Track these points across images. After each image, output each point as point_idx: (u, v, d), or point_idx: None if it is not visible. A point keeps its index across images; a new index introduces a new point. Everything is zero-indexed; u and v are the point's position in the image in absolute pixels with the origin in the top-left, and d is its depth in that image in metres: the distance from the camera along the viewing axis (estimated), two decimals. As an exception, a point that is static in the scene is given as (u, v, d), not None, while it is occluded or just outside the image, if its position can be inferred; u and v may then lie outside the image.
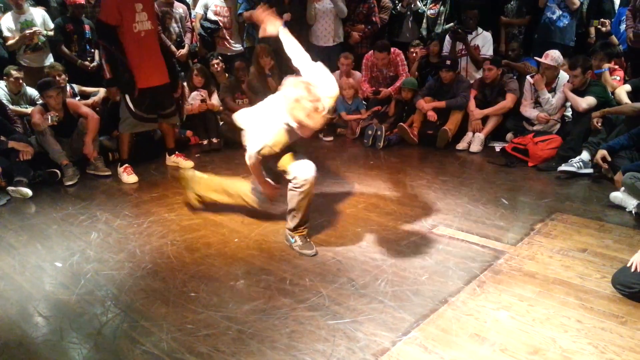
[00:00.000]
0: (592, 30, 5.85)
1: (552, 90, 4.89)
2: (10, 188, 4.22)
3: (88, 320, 2.48)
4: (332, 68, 6.14)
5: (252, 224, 3.49)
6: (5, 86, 5.17)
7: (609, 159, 3.94)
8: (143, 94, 4.43)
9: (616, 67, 4.97)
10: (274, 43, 5.96)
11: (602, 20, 5.55)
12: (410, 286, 2.64)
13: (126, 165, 4.61)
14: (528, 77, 5.08)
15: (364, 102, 6.00)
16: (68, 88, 5.39)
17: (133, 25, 4.30)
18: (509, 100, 5.17)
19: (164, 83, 4.59)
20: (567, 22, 5.64)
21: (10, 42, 5.44)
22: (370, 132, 5.45)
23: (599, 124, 4.31)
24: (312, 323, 2.36)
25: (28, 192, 4.21)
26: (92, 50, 5.87)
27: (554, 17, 5.66)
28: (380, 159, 5.04)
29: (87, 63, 5.76)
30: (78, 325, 2.44)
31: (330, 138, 5.80)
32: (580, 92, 4.53)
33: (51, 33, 5.77)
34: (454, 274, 2.74)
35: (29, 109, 5.01)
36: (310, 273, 2.82)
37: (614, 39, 5.45)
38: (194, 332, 2.34)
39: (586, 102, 4.45)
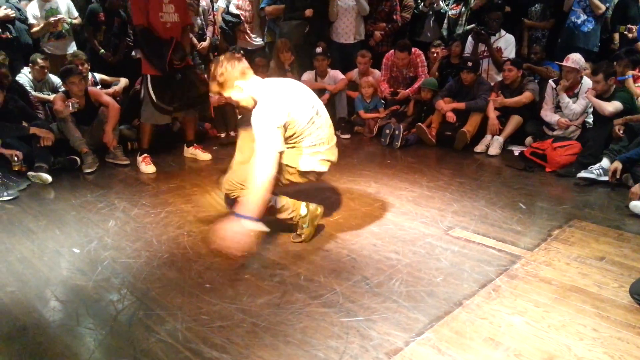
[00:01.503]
0: (617, 36, 5.77)
1: (575, 96, 4.84)
2: (30, 173, 4.28)
3: (104, 307, 2.51)
4: (352, 66, 6.15)
5: (266, 219, 3.49)
6: (30, 73, 5.26)
7: (618, 175, 3.95)
8: (164, 83, 4.46)
9: (641, 74, 4.90)
10: (296, 39, 6.01)
11: (629, 26, 5.47)
12: (424, 287, 2.64)
13: (145, 155, 4.65)
14: (550, 81, 5.03)
15: (382, 101, 5.99)
16: (90, 76, 5.45)
17: (159, 14, 4.36)
18: (525, 96, 5.13)
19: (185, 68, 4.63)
20: (591, 27, 5.57)
21: (35, 29, 5.52)
22: (388, 131, 5.43)
23: (621, 132, 4.26)
24: (326, 319, 2.37)
25: (48, 177, 4.27)
26: (117, 42, 5.93)
27: (579, 21, 5.60)
28: (397, 159, 5.03)
29: (109, 53, 5.82)
30: (94, 311, 2.47)
31: (348, 136, 5.80)
32: (604, 99, 4.46)
33: (75, 21, 5.84)
34: (469, 277, 2.73)
35: (51, 96, 5.08)
36: (324, 270, 2.83)
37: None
38: (208, 323, 2.35)
39: (613, 106, 4.37)
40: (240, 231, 2.61)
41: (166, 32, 4.40)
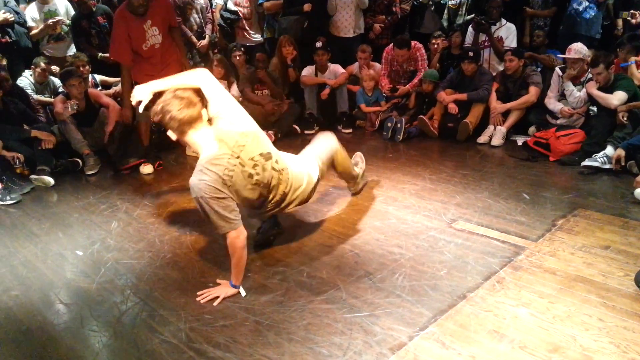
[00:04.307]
0: (620, 22, 5.72)
1: (581, 84, 4.77)
2: (33, 177, 4.29)
3: (108, 309, 2.51)
4: (352, 60, 6.12)
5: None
6: (31, 76, 5.27)
7: (623, 162, 3.92)
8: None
9: (644, 60, 4.84)
10: (295, 34, 5.98)
11: (632, 12, 5.41)
12: (428, 281, 2.62)
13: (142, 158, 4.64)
14: (557, 68, 4.97)
15: (383, 94, 5.96)
16: (90, 78, 5.46)
17: (143, 45, 4.23)
18: (532, 94, 5.07)
19: None
20: (593, 14, 5.52)
21: (34, 32, 5.53)
22: (389, 124, 5.40)
23: (625, 119, 4.21)
24: (329, 316, 2.36)
25: (50, 180, 4.28)
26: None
27: (580, 8, 5.54)
28: (400, 152, 5.00)
29: (107, 55, 5.81)
30: (98, 313, 2.48)
31: (349, 130, 5.77)
32: (606, 89, 4.40)
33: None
34: (473, 270, 2.71)
35: (52, 99, 5.09)
36: (327, 266, 2.82)
37: (643, 31, 5.31)
38: (211, 322, 2.35)
39: (617, 98, 4.29)
40: (227, 292, 2.58)
41: (156, 53, 4.32)
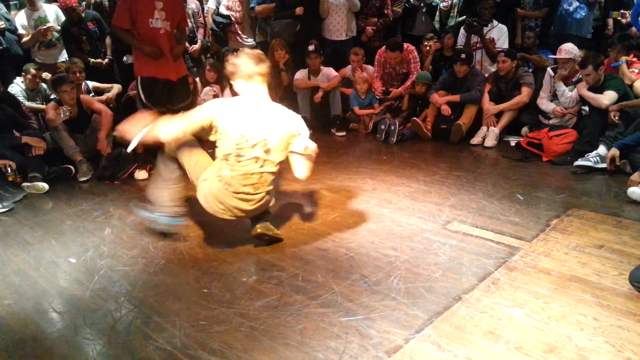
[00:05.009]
0: (610, 21, 5.75)
1: (573, 84, 4.79)
2: (25, 184, 4.26)
3: (102, 316, 2.49)
4: (344, 62, 6.13)
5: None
6: (22, 82, 5.24)
7: (618, 162, 3.94)
8: (155, 84, 4.45)
9: (634, 59, 4.86)
10: (287, 37, 5.99)
11: (622, 11, 5.45)
12: (423, 283, 2.62)
13: (136, 164, 4.62)
14: (549, 69, 4.99)
15: (376, 96, 5.97)
16: (82, 85, 5.43)
17: (149, 20, 4.32)
18: (524, 95, 5.10)
19: (180, 77, 4.62)
20: (584, 14, 5.55)
21: (24, 39, 5.51)
22: (383, 126, 5.41)
23: (617, 118, 4.24)
24: (325, 320, 2.35)
25: (45, 186, 4.26)
26: (104, 49, 5.90)
27: (571, 9, 5.57)
28: (394, 154, 5.01)
29: (100, 60, 5.80)
30: (92, 321, 2.46)
31: (343, 133, 5.77)
32: (596, 89, 4.42)
33: None
34: (468, 271, 2.71)
35: (44, 106, 5.07)
36: (322, 269, 2.81)
37: (634, 30, 5.34)
38: (206, 328, 2.34)
39: (607, 97, 4.32)
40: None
41: (159, 38, 4.37)
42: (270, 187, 2.99)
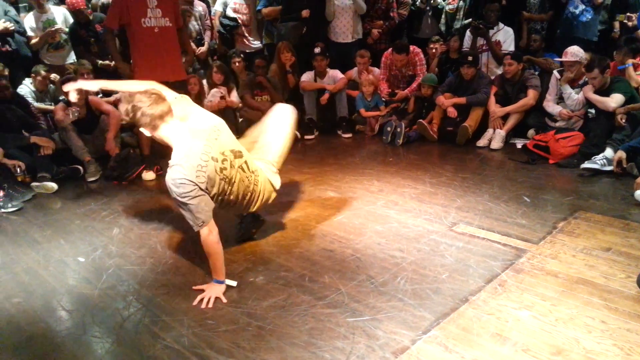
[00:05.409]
0: (617, 24, 5.74)
1: (579, 87, 4.78)
2: (34, 184, 4.29)
3: (110, 315, 2.51)
4: (351, 65, 6.14)
5: (270, 221, 3.49)
6: (31, 84, 5.29)
7: (625, 165, 3.93)
8: None
9: (641, 62, 4.87)
10: (293, 39, 6.01)
11: (628, 14, 5.45)
12: (430, 284, 2.63)
13: (143, 165, 4.64)
14: (555, 71, 4.99)
15: (382, 98, 5.98)
16: (90, 86, 5.46)
17: (142, 20, 4.31)
18: (530, 97, 5.09)
19: (178, 80, 4.58)
20: (590, 17, 5.54)
21: (33, 41, 5.55)
22: (389, 128, 5.42)
23: (623, 120, 4.23)
24: (332, 320, 2.36)
25: (54, 186, 4.29)
26: None
27: (577, 11, 5.57)
28: (400, 156, 5.01)
29: (107, 62, 5.83)
30: (100, 319, 2.48)
31: (349, 135, 5.78)
32: (602, 92, 4.42)
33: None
34: (475, 273, 2.71)
35: (53, 106, 5.11)
36: (329, 270, 2.82)
37: (640, 33, 5.34)
38: (214, 327, 2.35)
39: (614, 100, 4.31)
40: (219, 291, 2.62)
41: (154, 37, 4.37)
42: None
